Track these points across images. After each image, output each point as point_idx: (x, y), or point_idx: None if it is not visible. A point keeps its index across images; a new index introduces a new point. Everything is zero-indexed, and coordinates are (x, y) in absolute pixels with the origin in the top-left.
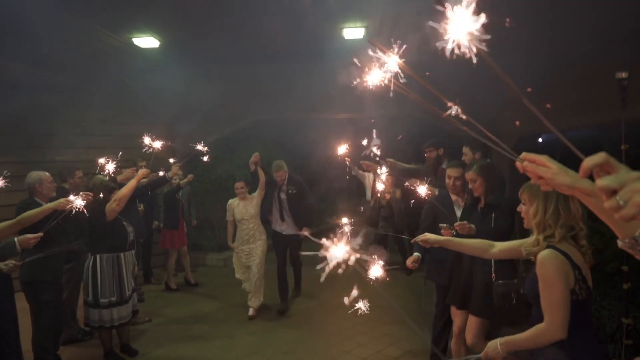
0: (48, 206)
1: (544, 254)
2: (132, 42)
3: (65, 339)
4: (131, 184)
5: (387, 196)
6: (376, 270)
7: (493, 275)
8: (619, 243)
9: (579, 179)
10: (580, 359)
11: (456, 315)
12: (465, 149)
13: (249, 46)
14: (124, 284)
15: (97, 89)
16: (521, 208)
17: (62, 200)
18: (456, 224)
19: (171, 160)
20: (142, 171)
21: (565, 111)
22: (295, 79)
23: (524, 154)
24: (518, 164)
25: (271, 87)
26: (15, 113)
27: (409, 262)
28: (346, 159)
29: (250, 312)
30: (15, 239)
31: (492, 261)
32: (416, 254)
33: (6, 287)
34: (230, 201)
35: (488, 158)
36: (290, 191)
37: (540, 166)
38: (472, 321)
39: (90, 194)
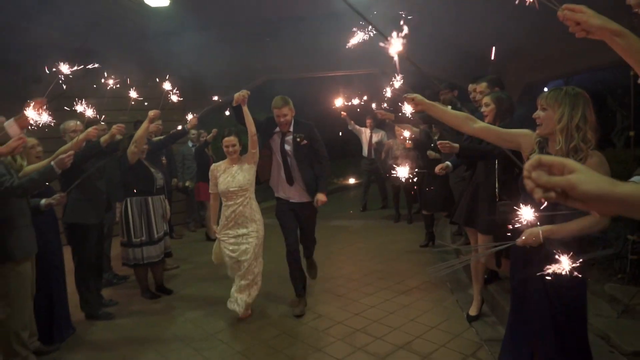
0: (79, 138)
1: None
2: (143, 1)
3: (102, 282)
4: (144, 125)
5: (408, 144)
6: None
7: (497, 195)
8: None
9: (609, 21)
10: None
11: (471, 233)
12: (483, 85)
13: (258, 5)
14: (152, 226)
15: (112, 51)
16: (538, 115)
17: (90, 129)
18: (439, 142)
19: (189, 116)
20: (152, 112)
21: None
22: (305, 37)
23: (565, 5)
24: (559, 12)
25: (281, 46)
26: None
27: (438, 168)
28: (342, 113)
29: (239, 309)
30: (52, 162)
31: (497, 181)
32: (447, 162)
33: (54, 226)
34: (214, 166)
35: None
36: (298, 140)
37: (577, 13)
38: (481, 239)
39: (122, 125)
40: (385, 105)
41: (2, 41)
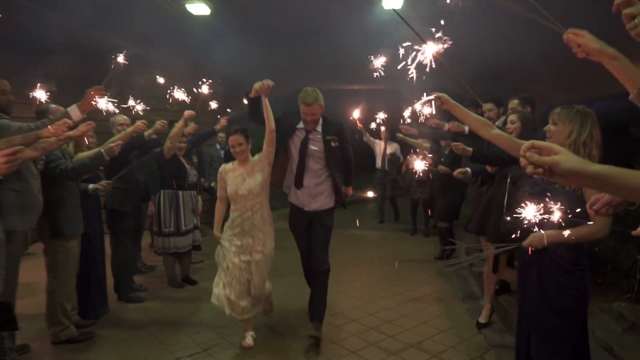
0: (127, 130)
1: None
2: (186, 9)
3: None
4: (179, 124)
5: (429, 160)
6: None
7: (505, 208)
8: (631, 97)
9: (606, 46)
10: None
11: (484, 242)
12: (515, 102)
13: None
14: (180, 219)
15: (156, 55)
16: (549, 128)
17: (138, 122)
18: (453, 144)
19: (219, 116)
20: (187, 112)
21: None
22: (333, 50)
23: (570, 29)
24: (564, 35)
25: (310, 57)
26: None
27: (457, 172)
28: (358, 125)
29: (247, 340)
30: (101, 149)
31: (506, 195)
32: (467, 168)
33: (97, 211)
34: (223, 167)
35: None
36: (332, 144)
37: (580, 37)
38: (489, 247)
39: (165, 122)
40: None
41: (75, 43)
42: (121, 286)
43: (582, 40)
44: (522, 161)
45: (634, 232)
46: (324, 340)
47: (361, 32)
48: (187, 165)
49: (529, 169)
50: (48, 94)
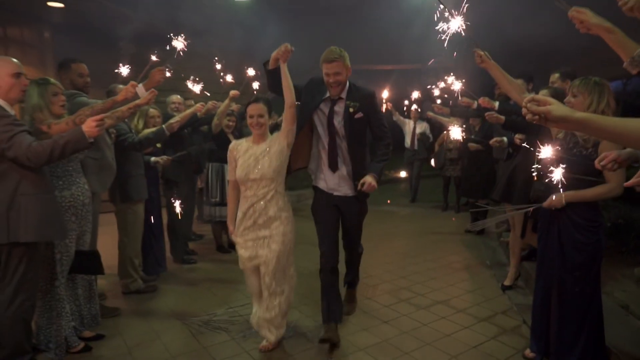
0: (188, 111)
1: None
2: None
3: None
4: (225, 103)
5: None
6: None
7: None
8: (625, 64)
9: (604, 21)
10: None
11: (509, 209)
12: (555, 75)
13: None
14: (225, 189)
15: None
16: (569, 100)
17: (197, 105)
18: (487, 114)
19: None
20: (232, 92)
21: None
22: (369, 30)
23: (573, 7)
24: (569, 13)
25: (345, 37)
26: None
27: (493, 141)
28: (388, 104)
29: (263, 342)
30: (163, 125)
31: (536, 162)
32: (504, 137)
33: (156, 181)
34: (233, 144)
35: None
36: (351, 110)
37: (582, 14)
38: (517, 216)
39: (216, 102)
40: (439, 100)
41: (133, 30)
42: (176, 249)
43: (584, 17)
44: (524, 110)
45: (625, 184)
46: (359, 296)
47: (394, 11)
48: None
49: (529, 117)
50: (128, 70)
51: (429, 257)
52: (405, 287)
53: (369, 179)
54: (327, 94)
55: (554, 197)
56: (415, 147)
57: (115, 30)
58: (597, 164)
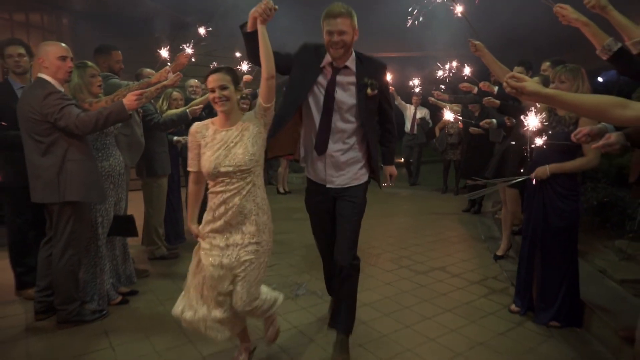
0: (207, 95)
1: None
2: None
3: None
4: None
5: (461, 124)
6: None
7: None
8: (597, 51)
9: (581, 15)
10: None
11: (501, 189)
12: (546, 64)
13: None
14: None
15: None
16: (557, 87)
17: None
18: (484, 99)
19: None
20: (246, 76)
21: None
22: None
23: (557, 4)
24: (554, 9)
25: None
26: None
27: (483, 122)
28: (390, 87)
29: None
30: (186, 109)
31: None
32: (493, 119)
33: (176, 160)
34: (195, 125)
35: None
36: (369, 90)
37: (564, 9)
38: (508, 190)
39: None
40: (442, 87)
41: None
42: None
43: (565, 12)
44: (504, 85)
45: (593, 145)
46: (362, 263)
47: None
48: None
49: (508, 90)
50: (167, 53)
51: (427, 232)
52: (406, 256)
53: (391, 169)
54: (326, 60)
55: (538, 169)
56: (415, 131)
57: (131, 17)
58: (573, 137)
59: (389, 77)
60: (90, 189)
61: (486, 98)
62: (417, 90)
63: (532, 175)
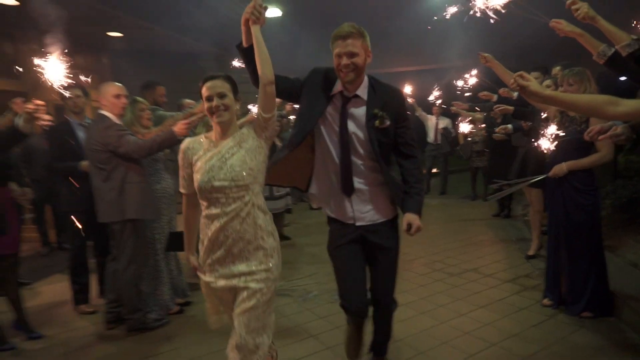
0: (241, 120)
1: None
2: None
3: None
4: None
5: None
6: None
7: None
8: (594, 57)
9: (575, 27)
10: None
11: (526, 190)
12: (557, 68)
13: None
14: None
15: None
16: (567, 90)
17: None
18: (495, 106)
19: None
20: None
21: None
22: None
23: (552, 19)
24: (549, 24)
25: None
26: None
27: (499, 129)
28: (411, 100)
29: None
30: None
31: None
32: (508, 125)
33: None
34: (187, 141)
35: None
36: (377, 122)
37: (559, 24)
38: (533, 191)
39: None
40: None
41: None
42: None
43: (560, 26)
44: (511, 81)
45: (600, 137)
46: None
47: (412, 13)
48: (278, 144)
49: (514, 86)
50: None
51: (459, 237)
52: (439, 260)
53: (414, 221)
54: (337, 88)
55: (555, 167)
56: (439, 141)
57: (165, 52)
58: (586, 136)
59: (408, 88)
60: (146, 207)
61: (496, 106)
62: (437, 102)
63: (550, 173)
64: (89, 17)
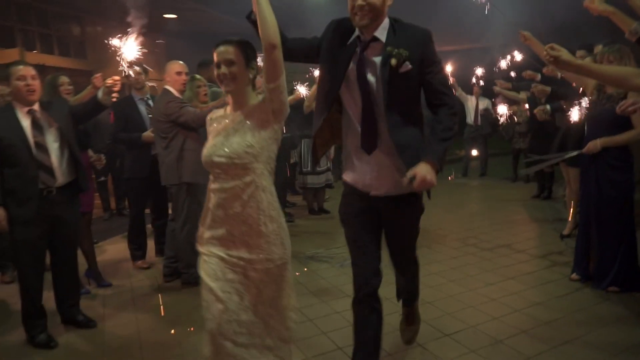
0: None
1: None
2: None
3: None
4: (313, 88)
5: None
6: None
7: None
8: (626, 35)
9: (608, 5)
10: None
11: (563, 167)
12: (599, 47)
13: None
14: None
15: None
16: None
17: (296, 92)
18: (533, 86)
19: None
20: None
21: None
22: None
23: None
24: (584, 3)
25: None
26: None
27: (537, 110)
28: (451, 79)
29: None
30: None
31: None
32: (547, 105)
33: None
34: (212, 113)
35: None
36: (393, 61)
37: (592, 2)
38: (571, 170)
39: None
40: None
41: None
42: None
43: (593, 5)
44: (544, 54)
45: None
46: (430, 245)
47: None
48: None
49: (546, 58)
50: None
51: (494, 215)
52: (472, 236)
53: (422, 170)
54: (355, 35)
55: (590, 143)
56: (479, 122)
57: (218, 34)
58: (618, 109)
59: (449, 67)
60: (200, 172)
61: (534, 85)
62: (480, 82)
63: (584, 149)
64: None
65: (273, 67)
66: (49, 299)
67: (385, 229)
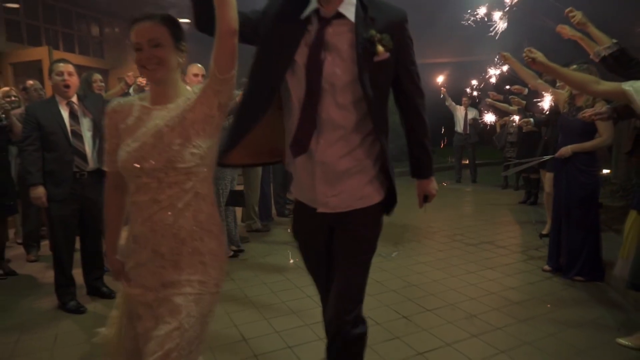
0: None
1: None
2: None
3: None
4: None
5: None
6: None
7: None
8: (591, 56)
9: (577, 32)
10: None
11: (542, 174)
12: (572, 67)
13: None
14: None
15: None
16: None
17: None
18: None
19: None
20: None
21: None
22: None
23: (559, 25)
24: (556, 28)
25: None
26: None
27: (521, 122)
28: (442, 88)
29: None
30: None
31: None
32: (530, 118)
33: None
34: (115, 104)
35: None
36: (376, 48)
37: (563, 29)
38: (547, 175)
39: None
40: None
41: None
42: (279, 204)
43: (564, 31)
44: (524, 55)
45: (584, 114)
46: (420, 240)
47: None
48: None
49: (526, 59)
50: None
51: (482, 217)
52: (459, 234)
53: (431, 190)
54: (311, 8)
55: (562, 149)
56: (468, 131)
57: None
58: (580, 115)
59: (440, 78)
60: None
61: (512, 97)
62: (474, 93)
63: (557, 154)
64: (163, 7)
65: (230, 55)
66: (76, 274)
67: (336, 245)
